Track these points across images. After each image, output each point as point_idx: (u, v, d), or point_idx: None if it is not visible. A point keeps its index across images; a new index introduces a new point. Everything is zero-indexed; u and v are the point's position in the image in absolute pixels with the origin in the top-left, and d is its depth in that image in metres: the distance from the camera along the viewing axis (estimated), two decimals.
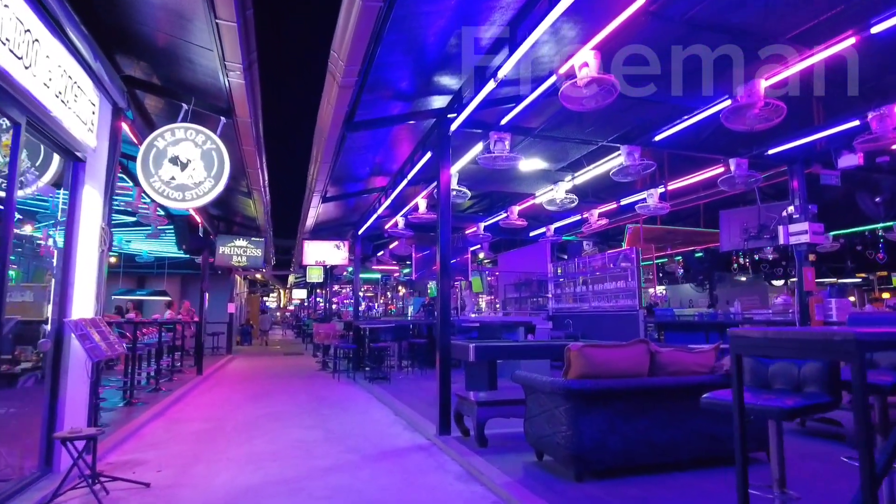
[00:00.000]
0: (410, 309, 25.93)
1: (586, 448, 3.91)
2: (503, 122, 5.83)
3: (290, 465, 4.67)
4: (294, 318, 42.71)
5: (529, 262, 14.61)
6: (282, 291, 42.31)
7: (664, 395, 4.17)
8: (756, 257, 14.09)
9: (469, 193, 7.89)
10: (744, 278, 20.15)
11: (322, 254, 12.01)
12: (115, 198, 6.00)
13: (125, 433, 5.69)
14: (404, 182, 7.85)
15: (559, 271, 12.95)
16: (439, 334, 5.67)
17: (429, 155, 6.62)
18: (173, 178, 5.27)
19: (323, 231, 12.48)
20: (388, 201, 9.33)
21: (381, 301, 34.17)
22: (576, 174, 8.25)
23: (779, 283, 20.45)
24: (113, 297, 15.56)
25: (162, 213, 10.95)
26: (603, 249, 14.45)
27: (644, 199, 9.01)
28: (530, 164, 7.72)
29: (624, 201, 9.83)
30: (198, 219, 10.63)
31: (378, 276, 29.94)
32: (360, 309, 32.54)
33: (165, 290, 16.54)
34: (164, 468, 4.52)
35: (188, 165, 5.32)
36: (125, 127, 5.42)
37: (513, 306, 15.38)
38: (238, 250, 11.59)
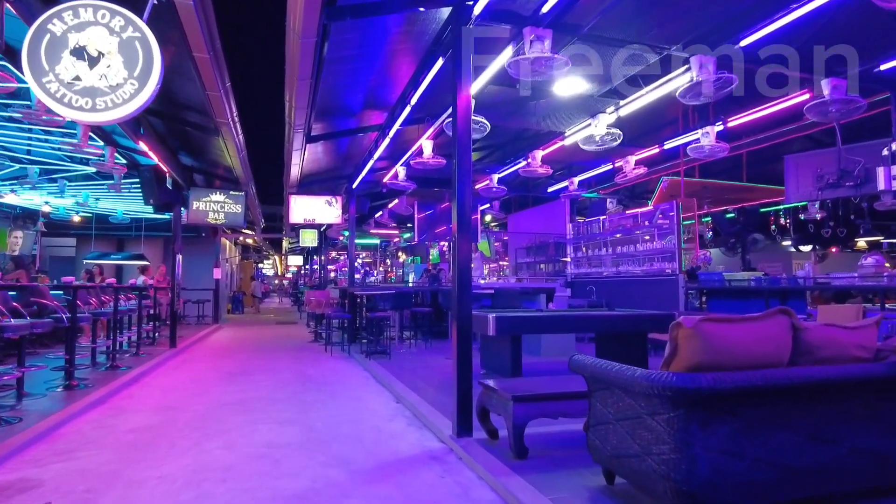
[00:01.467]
0: (412, 276, 24.57)
1: (702, 479, 2.46)
2: (544, 8, 4.19)
3: (244, 490, 3.24)
4: (292, 286, 41.46)
5: (544, 222, 13.07)
6: (277, 258, 40.88)
7: (815, 395, 2.70)
8: (801, 217, 12.53)
9: (489, 126, 6.29)
10: (787, 242, 18.55)
11: (312, 210, 10.47)
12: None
13: (37, 432, 4.26)
14: (406, 111, 6.24)
15: (589, 230, 11.43)
16: (457, 302, 4.19)
17: (440, 64, 5.00)
18: (78, 79, 3.68)
19: (313, 185, 10.90)
20: (387, 141, 7.73)
21: (381, 269, 32.69)
22: (620, 104, 6.62)
23: (806, 248, 18.90)
24: (84, 260, 14.08)
25: (123, 160, 9.37)
26: (628, 208, 12.90)
27: (696, 140, 7.41)
28: (567, 85, 6.09)
29: (670, 144, 8.21)
30: (164, 168, 9.03)
31: (376, 241, 28.42)
32: (356, 275, 31.31)
33: (142, 254, 15.04)
34: (57, 499, 3.08)
35: (99, 60, 3.72)
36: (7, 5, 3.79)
37: (525, 272, 13.92)
38: (215, 206, 10.05)
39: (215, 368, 7.94)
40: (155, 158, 8.06)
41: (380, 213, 15.33)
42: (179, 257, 10.13)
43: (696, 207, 9.56)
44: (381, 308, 8.97)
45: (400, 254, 28.88)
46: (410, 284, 19.41)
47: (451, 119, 4.45)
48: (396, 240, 26.18)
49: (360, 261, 38.57)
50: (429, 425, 4.63)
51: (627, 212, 10.95)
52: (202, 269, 16.87)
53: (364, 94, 6.88)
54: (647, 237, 9.98)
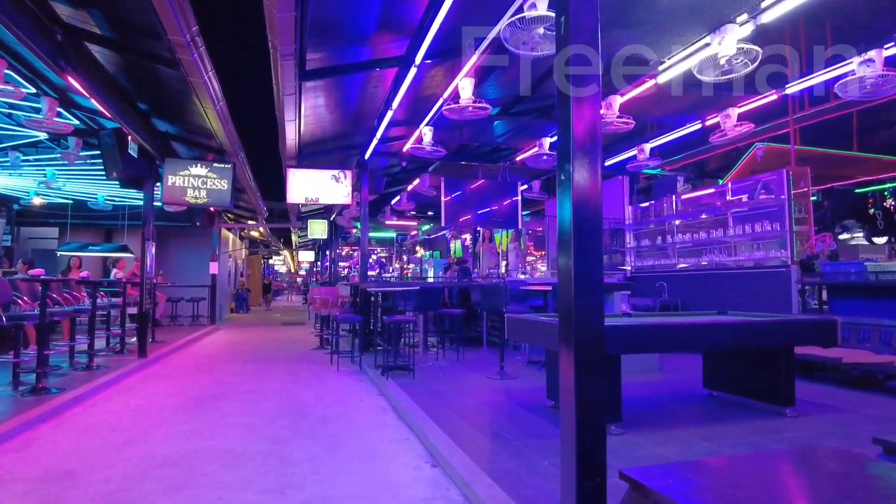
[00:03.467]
0: (431, 272, 22.50)
1: None
2: None
3: None
4: (304, 284, 39.76)
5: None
6: (289, 254, 39.14)
7: None
8: None
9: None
10: (846, 235, 16.19)
11: (315, 187, 8.44)
12: None
13: None
14: (443, 11, 4.15)
15: (658, 212, 9.25)
16: (574, 302, 2.09)
17: None
18: None
19: (317, 156, 8.86)
20: (407, 81, 5.63)
21: (396, 265, 30.61)
22: (762, 4, 4.44)
23: (881, 240, 16.46)
24: (58, 252, 12.24)
25: (73, 120, 7.42)
26: (698, 186, 10.68)
27: (844, 75, 5.20)
28: None
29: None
30: (127, 130, 7.05)
31: (392, 234, 26.42)
32: (369, 272, 29.33)
33: (126, 245, 13.20)
34: None
35: None
36: None
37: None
38: (195, 181, 8.08)
39: (182, 391, 5.94)
40: (97, 104, 6.06)
41: (397, 198, 13.25)
42: (151, 247, 8.17)
43: (810, 179, 7.32)
44: (401, 309, 6.90)
45: (417, 248, 26.82)
46: (431, 281, 17.37)
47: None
48: (414, 233, 24.12)
49: (374, 256, 36.73)
50: None
51: (689, 191, 8.74)
52: (198, 264, 15.02)
53: (379, 6, 4.80)
54: (743, 219, 7.78)
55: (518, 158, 9.14)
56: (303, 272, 46.23)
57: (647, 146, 8.28)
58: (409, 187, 12.22)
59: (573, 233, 2.14)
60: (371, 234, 24.95)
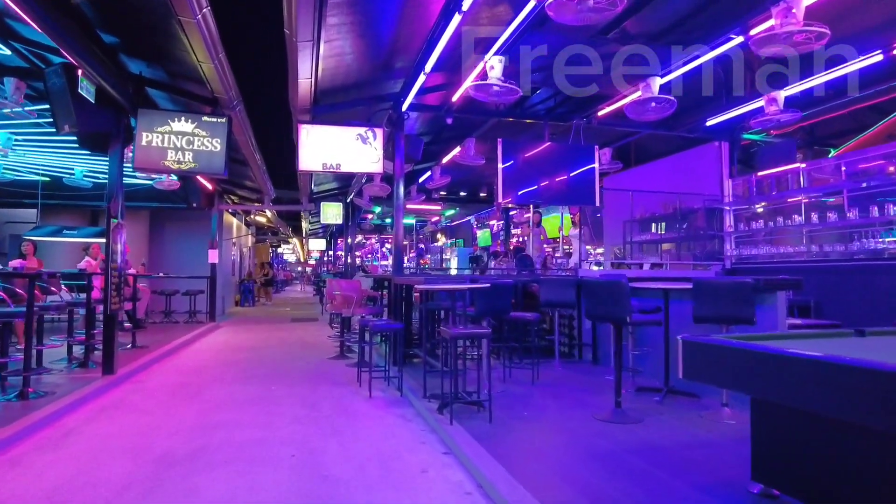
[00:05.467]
0: (454, 262, 20.44)
1: None
2: None
3: None
4: (314, 274, 37.94)
5: (678, 180, 8.76)
6: (298, 242, 37.26)
7: None
8: None
9: None
10: None
11: (335, 150, 6.34)
12: None
13: None
14: None
15: (772, 185, 7.14)
16: None
17: None
18: None
19: (337, 108, 6.78)
20: None
21: (412, 254, 28.41)
22: None
23: None
24: (24, 237, 10.30)
25: (4, 49, 5.44)
26: (808, 157, 8.53)
27: None
28: None
29: None
30: (77, 63, 5.02)
31: (410, 220, 24.39)
32: (382, 262, 27.15)
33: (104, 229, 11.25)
34: None
35: None
36: None
37: (634, 254, 9.64)
38: (178, 141, 6.05)
39: (143, 440, 3.95)
40: (37, 27, 4.04)
41: (427, 174, 11.17)
42: (122, 230, 6.19)
43: None
44: (462, 313, 4.85)
45: (439, 236, 24.75)
46: (454, 272, 15.30)
47: None
48: (436, 219, 22.04)
49: (388, 245, 34.72)
50: None
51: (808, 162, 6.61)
52: (196, 252, 13.08)
53: None
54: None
55: (602, 112, 7.03)
56: (312, 261, 44.41)
57: (782, 94, 6.12)
58: (445, 159, 10.15)
59: None
60: (388, 221, 22.88)
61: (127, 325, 8.26)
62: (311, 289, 32.89)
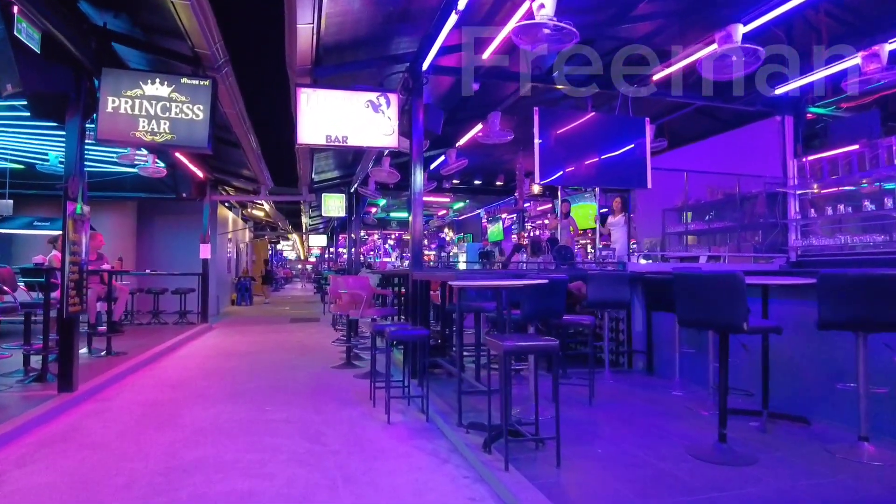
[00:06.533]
0: (462, 258, 19.36)
1: None
2: None
3: None
4: (315, 271, 36.87)
5: (726, 162, 7.67)
6: (297, 238, 36.17)
7: None
8: None
9: None
10: None
11: (340, 120, 5.24)
12: None
13: None
14: None
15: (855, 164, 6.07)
16: None
17: None
18: None
19: (343, 69, 5.68)
20: None
21: (432, 246, 26.97)
22: None
23: None
24: None
25: None
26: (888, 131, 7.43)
27: None
28: None
29: None
30: (10, 3, 3.93)
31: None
32: (382, 255, 25.97)
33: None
34: None
35: None
36: None
37: (676, 246, 8.55)
38: (152, 107, 4.96)
39: (83, 497, 2.87)
40: None
41: (441, 158, 10.09)
42: (83, 221, 5.11)
43: None
44: (506, 318, 3.77)
45: (446, 230, 23.64)
46: (462, 267, 14.22)
47: None
48: (443, 212, 20.95)
49: (390, 241, 33.57)
50: None
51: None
52: (188, 247, 11.98)
53: None
54: None
55: (658, 75, 5.91)
56: (313, 258, 43.29)
57: (886, 47, 5.03)
58: (462, 140, 9.08)
59: None
60: (393, 215, 21.82)
61: (101, 328, 7.20)
62: (311, 286, 31.81)
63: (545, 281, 3.47)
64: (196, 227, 11.60)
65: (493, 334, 3.37)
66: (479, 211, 19.56)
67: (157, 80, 5.13)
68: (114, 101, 5.02)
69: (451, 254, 20.28)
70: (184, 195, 11.41)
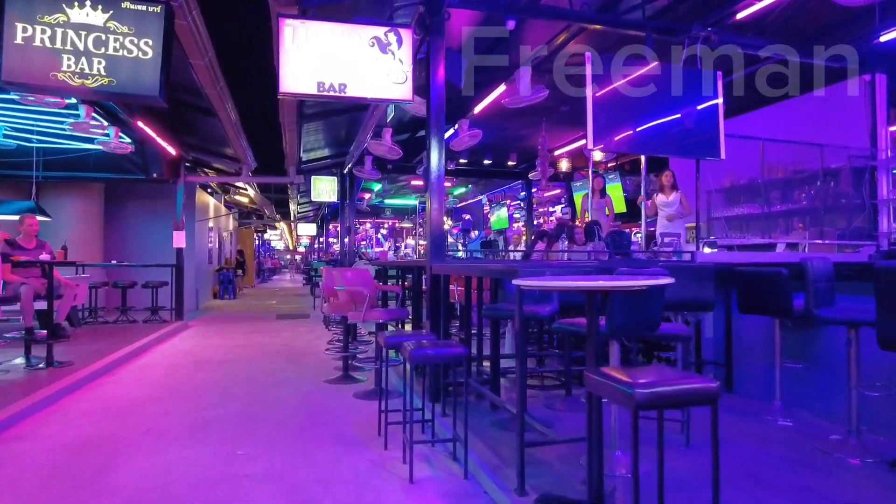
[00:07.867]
0: (461, 245, 18.06)
1: None
2: None
3: None
4: (304, 262, 35.42)
5: (796, 130, 6.43)
6: (286, 227, 34.66)
7: None
8: None
9: None
10: None
11: (336, 62, 3.91)
12: None
13: None
14: None
15: None
16: None
17: None
18: None
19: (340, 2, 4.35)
20: None
21: (410, 240, 25.68)
22: None
23: None
24: None
25: None
26: None
27: None
28: None
29: None
30: None
31: (413, 201, 21.89)
32: (373, 245, 24.84)
33: (37, 205, 8.76)
34: None
35: None
36: None
37: (723, 231, 7.32)
38: (80, 40, 3.62)
39: None
40: None
41: (451, 129, 8.72)
42: None
43: None
44: (598, 333, 2.50)
45: (445, 218, 22.33)
46: (461, 254, 12.89)
47: None
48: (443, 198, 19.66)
49: (383, 230, 32.14)
50: None
51: None
52: (165, 236, 10.54)
53: None
54: None
55: (742, 15, 4.63)
56: (302, 248, 41.73)
57: None
58: (479, 107, 7.78)
59: None
60: (388, 202, 20.40)
61: (41, 333, 5.83)
62: (300, 277, 30.36)
63: (671, 280, 2.21)
64: (173, 213, 10.19)
65: (602, 367, 2.09)
66: (481, 197, 18.28)
67: (88, 4, 3.76)
68: (26, 30, 3.64)
69: (448, 244, 18.98)
70: (154, 175, 9.99)
